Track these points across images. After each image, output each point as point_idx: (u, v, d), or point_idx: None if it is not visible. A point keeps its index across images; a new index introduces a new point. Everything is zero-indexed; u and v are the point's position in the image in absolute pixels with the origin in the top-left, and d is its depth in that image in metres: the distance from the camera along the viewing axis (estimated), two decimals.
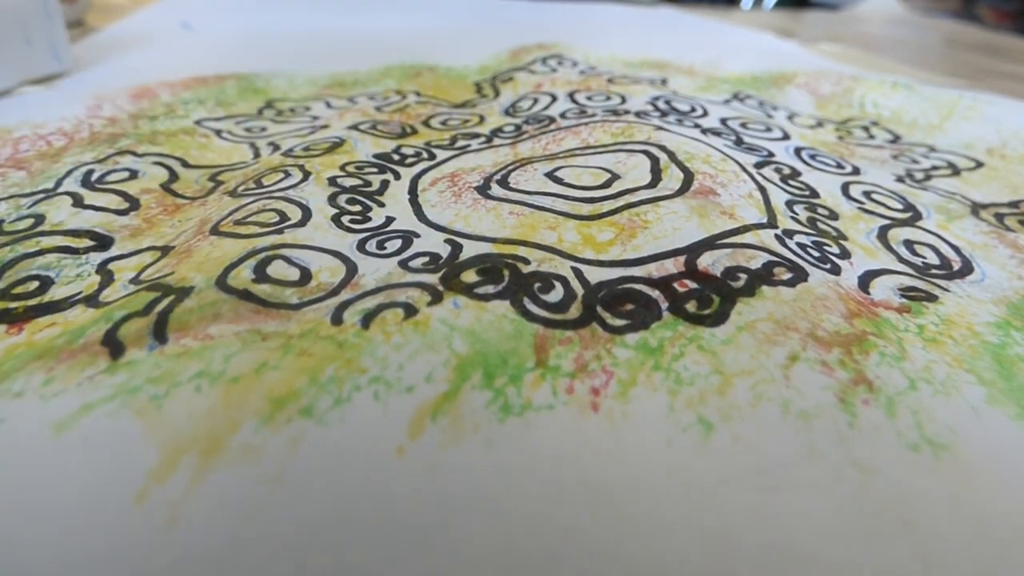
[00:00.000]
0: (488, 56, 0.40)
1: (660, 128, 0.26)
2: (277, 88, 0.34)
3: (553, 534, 0.11)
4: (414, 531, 0.11)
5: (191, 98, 0.31)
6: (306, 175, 0.22)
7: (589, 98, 0.32)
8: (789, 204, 0.21)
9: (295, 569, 0.10)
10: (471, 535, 0.11)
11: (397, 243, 0.19)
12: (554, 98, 0.32)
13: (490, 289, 0.16)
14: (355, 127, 0.28)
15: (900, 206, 0.23)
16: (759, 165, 0.24)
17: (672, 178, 0.21)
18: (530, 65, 0.38)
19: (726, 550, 0.11)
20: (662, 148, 0.23)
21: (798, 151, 0.27)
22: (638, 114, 0.29)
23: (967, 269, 0.19)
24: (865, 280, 0.18)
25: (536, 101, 0.32)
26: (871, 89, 0.34)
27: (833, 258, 0.18)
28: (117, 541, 0.10)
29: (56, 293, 0.17)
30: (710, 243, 0.18)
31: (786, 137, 0.28)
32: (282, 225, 0.19)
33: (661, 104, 0.31)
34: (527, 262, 0.17)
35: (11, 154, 0.24)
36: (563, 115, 0.29)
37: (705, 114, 0.30)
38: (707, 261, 0.17)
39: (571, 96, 0.32)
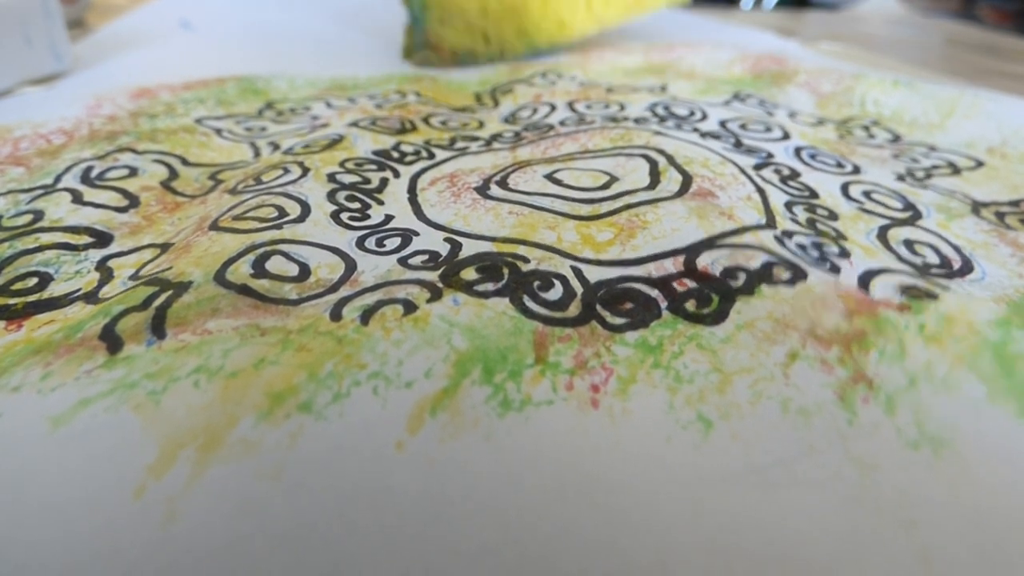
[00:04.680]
0: (488, 70, 0.40)
1: (658, 133, 0.26)
2: (277, 90, 0.34)
3: (552, 529, 0.11)
4: (413, 526, 0.11)
5: (191, 97, 0.31)
6: (305, 171, 0.22)
7: (588, 106, 0.32)
8: (788, 205, 0.21)
9: (294, 564, 0.10)
10: (470, 530, 0.11)
11: (396, 241, 0.19)
12: (553, 107, 0.32)
13: (489, 287, 0.16)
14: (355, 124, 0.28)
15: (900, 205, 0.23)
16: (759, 167, 0.24)
17: (671, 180, 0.21)
18: (530, 78, 0.38)
19: (725, 547, 0.11)
20: (660, 152, 0.23)
21: (798, 151, 0.27)
22: (637, 120, 0.29)
23: (967, 268, 0.19)
24: (865, 279, 0.18)
25: (535, 111, 0.32)
26: (872, 87, 0.34)
27: (832, 258, 0.18)
28: (115, 536, 0.10)
29: (55, 290, 0.17)
30: (709, 243, 0.18)
31: (786, 137, 0.28)
32: (281, 220, 0.19)
33: (660, 110, 0.31)
34: (526, 261, 0.17)
35: (10, 152, 0.24)
36: (562, 123, 0.29)
37: (704, 117, 0.30)
38: (706, 261, 0.17)
39: (570, 105, 0.32)
